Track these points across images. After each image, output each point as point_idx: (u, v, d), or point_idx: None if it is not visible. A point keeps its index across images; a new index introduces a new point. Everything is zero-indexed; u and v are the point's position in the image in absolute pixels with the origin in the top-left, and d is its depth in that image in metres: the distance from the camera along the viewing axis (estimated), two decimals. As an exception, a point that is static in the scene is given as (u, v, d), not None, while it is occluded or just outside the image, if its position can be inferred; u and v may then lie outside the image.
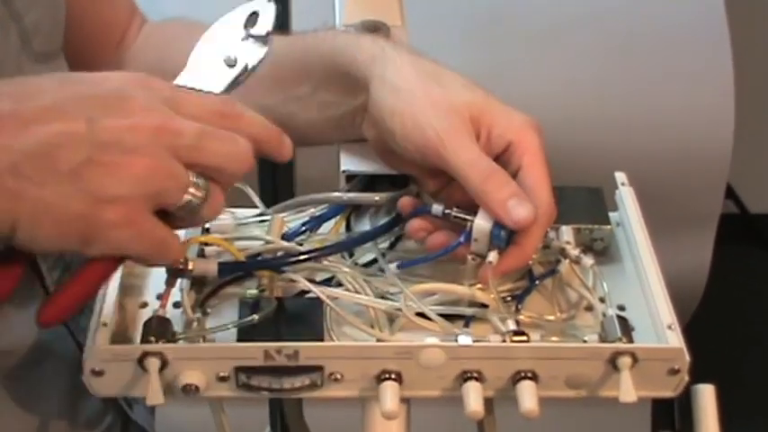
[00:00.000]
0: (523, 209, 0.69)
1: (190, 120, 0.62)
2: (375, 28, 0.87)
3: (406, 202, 0.75)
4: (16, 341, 0.75)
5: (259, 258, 0.74)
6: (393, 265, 0.73)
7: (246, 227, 0.78)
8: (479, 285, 0.72)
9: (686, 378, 0.68)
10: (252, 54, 0.70)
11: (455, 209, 0.72)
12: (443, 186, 0.75)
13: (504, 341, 0.68)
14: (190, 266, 0.69)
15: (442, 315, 0.71)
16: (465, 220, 0.72)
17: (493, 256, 0.71)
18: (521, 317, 0.72)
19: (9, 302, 0.73)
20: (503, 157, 0.73)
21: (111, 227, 0.59)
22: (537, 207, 0.70)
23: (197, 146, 0.61)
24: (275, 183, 1.32)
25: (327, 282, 0.73)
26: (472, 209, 0.71)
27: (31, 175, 0.58)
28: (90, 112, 0.59)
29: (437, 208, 0.73)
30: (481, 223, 0.71)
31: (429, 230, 0.74)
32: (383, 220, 0.77)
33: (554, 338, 0.71)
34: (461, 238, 0.71)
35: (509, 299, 0.73)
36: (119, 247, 0.61)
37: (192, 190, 0.61)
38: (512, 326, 0.70)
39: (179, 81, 0.69)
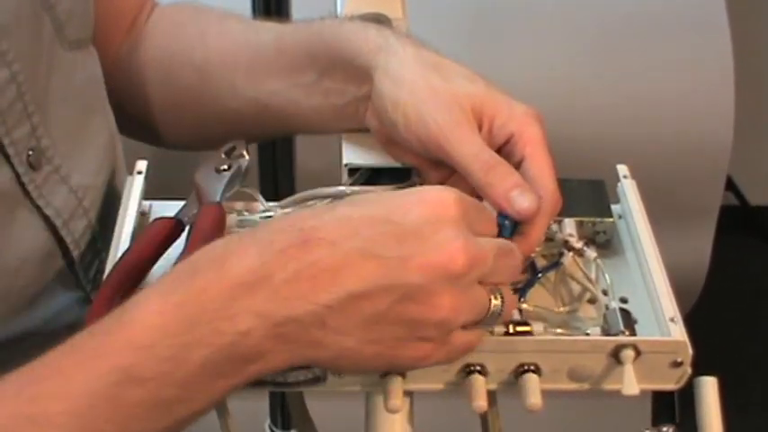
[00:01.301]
0: (526, 199, 0.69)
1: (482, 236, 0.62)
2: (376, 20, 0.87)
3: None
4: (45, 329, 0.75)
5: None
6: None
7: (250, 223, 0.78)
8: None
9: (689, 371, 0.68)
10: (240, 161, 0.77)
11: None
12: (446, 178, 0.75)
13: (507, 332, 0.68)
14: None
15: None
16: None
17: None
18: (524, 306, 0.72)
19: (43, 295, 0.74)
20: (505, 149, 0.73)
21: (415, 361, 0.61)
22: (541, 197, 0.70)
23: (495, 268, 0.62)
24: (276, 177, 1.32)
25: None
26: None
27: (336, 326, 0.58)
28: (398, 251, 0.58)
29: None
30: None
31: None
32: None
33: (557, 331, 0.71)
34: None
35: (511, 292, 0.73)
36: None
37: (493, 302, 0.62)
38: (516, 316, 0.70)
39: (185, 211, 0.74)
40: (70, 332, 0.75)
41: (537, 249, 0.75)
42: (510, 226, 0.70)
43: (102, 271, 0.70)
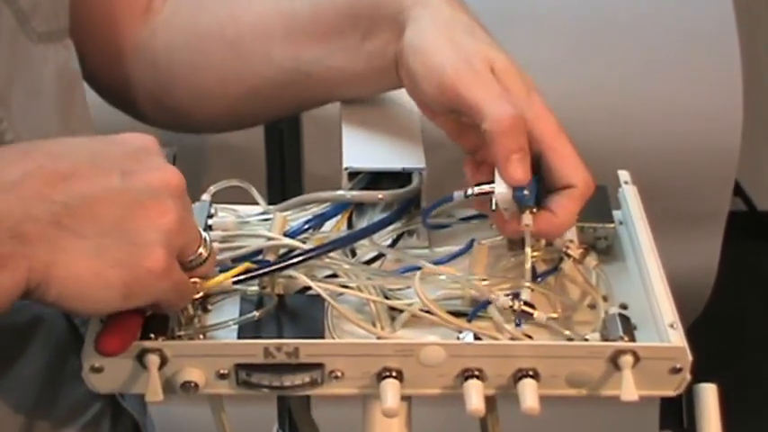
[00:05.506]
0: (522, 170, 0.69)
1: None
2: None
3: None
4: None
5: (267, 259, 0.73)
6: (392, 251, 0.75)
7: (248, 224, 0.78)
8: (483, 279, 0.73)
9: (688, 377, 0.68)
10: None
11: (475, 188, 0.72)
12: (476, 148, 0.74)
13: (512, 308, 0.69)
14: (206, 292, 0.69)
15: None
16: (487, 194, 0.71)
17: (528, 219, 0.70)
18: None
19: None
20: None
21: (153, 277, 0.61)
22: (575, 184, 0.70)
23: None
24: (284, 180, 1.32)
25: (329, 279, 0.73)
26: None
27: (73, 227, 0.60)
28: (122, 166, 0.62)
29: (458, 194, 0.73)
30: (502, 192, 0.70)
31: None
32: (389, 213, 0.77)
33: (556, 336, 0.71)
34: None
35: (511, 296, 0.73)
36: (157, 297, 0.63)
37: (201, 248, 0.65)
38: (524, 296, 0.70)
39: None
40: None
41: (537, 254, 0.75)
42: (529, 193, 0.70)
43: None
